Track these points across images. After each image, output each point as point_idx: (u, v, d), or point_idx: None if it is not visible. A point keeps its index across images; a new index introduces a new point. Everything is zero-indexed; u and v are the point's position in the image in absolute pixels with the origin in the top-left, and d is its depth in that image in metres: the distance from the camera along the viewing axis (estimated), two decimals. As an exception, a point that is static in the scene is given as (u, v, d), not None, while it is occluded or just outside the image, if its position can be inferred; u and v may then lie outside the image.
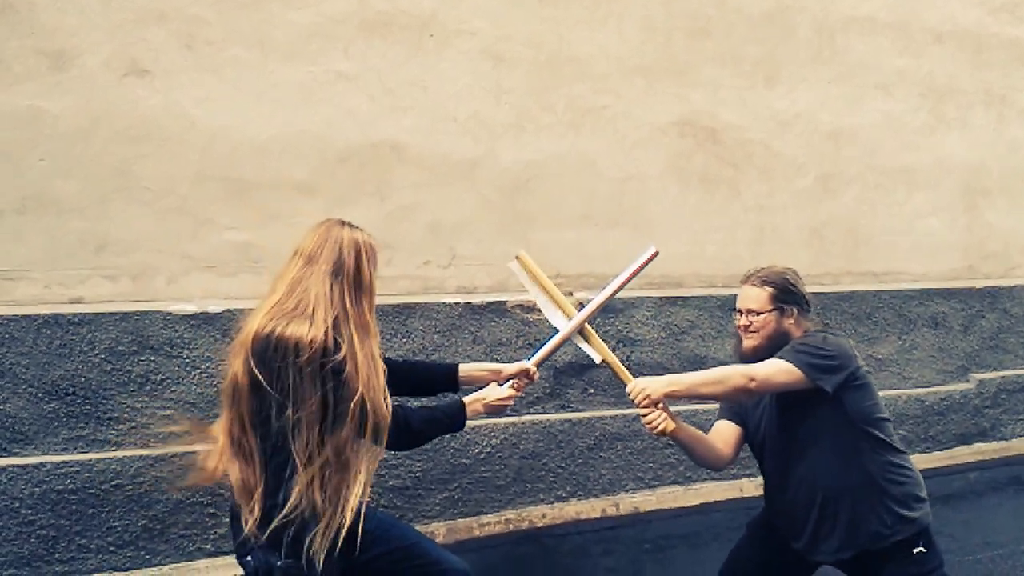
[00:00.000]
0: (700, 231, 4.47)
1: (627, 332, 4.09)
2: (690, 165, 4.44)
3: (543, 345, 2.68)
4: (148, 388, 3.35)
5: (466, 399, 2.46)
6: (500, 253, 4.00)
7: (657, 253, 2.72)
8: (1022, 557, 3.57)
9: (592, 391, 4.05)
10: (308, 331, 1.98)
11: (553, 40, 4.13)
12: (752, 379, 2.34)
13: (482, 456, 3.80)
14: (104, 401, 3.29)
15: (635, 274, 2.74)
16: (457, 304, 3.80)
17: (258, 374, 2.03)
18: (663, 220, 4.36)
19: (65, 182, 3.37)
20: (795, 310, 2.58)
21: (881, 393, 4.58)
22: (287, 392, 2.01)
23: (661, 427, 2.41)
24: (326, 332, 2.01)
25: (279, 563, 2.09)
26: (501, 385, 2.60)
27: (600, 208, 4.25)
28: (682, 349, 4.25)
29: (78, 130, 3.38)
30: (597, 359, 2.68)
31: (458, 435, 3.73)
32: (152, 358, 3.35)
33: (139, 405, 3.34)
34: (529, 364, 2.62)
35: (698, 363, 4.20)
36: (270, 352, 2.01)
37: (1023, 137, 5.33)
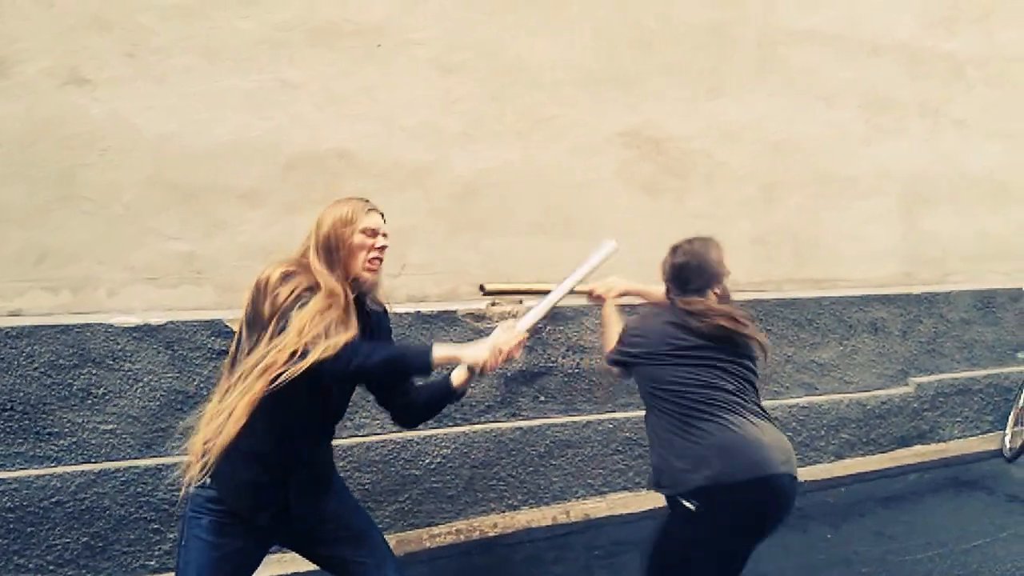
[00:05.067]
0: (648, 239, 4.49)
1: (576, 340, 4.12)
2: (638, 175, 4.50)
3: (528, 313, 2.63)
4: (90, 402, 3.28)
5: (436, 348, 2.20)
6: (451, 261, 4.01)
7: (616, 248, 2.83)
8: (961, 556, 3.67)
9: (543, 399, 4.07)
10: (277, 268, 2.13)
11: (503, 50, 4.16)
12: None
13: (432, 466, 3.80)
14: (44, 416, 3.22)
15: (596, 267, 2.85)
16: (408, 313, 3.79)
17: (243, 325, 2.15)
18: (613, 229, 4.39)
19: (4, 191, 3.29)
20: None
21: (823, 398, 4.82)
22: (254, 330, 2.10)
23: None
24: (288, 272, 2.14)
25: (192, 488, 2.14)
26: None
27: (551, 216, 4.28)
28: (632, 356, 4.28)
29: (18, 138, 3.31)
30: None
31: (408, 446, 3.73)
32: (94, 371, 3.29)
33: (80, 420, 3.27)
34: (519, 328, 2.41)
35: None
36: (252, 295, 2.12)
37: (958, 147, 5.51)
